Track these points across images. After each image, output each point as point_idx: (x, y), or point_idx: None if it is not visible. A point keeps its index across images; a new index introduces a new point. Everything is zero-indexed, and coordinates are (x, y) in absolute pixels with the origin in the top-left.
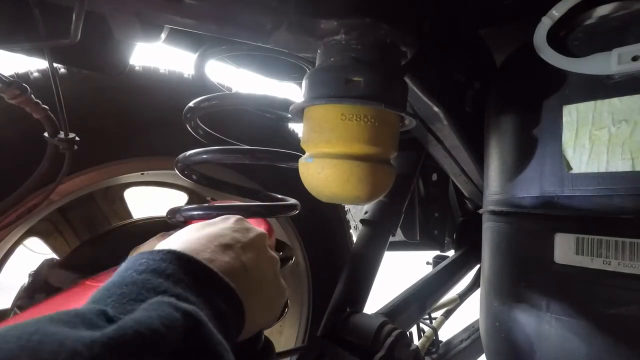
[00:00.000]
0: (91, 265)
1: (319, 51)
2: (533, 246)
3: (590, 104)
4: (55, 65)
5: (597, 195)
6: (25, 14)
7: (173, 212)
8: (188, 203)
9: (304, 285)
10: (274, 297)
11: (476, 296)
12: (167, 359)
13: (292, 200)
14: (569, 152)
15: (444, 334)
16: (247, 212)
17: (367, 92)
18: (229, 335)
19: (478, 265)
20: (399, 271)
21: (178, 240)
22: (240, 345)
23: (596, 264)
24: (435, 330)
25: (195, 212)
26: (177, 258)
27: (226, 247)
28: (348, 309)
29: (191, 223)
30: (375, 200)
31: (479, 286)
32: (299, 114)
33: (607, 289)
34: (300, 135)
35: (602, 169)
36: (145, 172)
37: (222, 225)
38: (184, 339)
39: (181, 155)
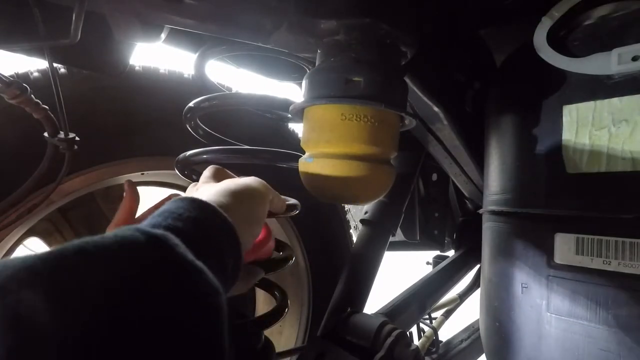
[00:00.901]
0: None
1: (319, 51)
2: (533, 246)
3: (590, 104)
4: (55, 65)
5: (597, 195)
6: (25, 14)
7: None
8: None
9: (304, 285)
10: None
11: (476, 296)
12: (115, 278)
13: (292, 200)
14: (569, 152)
15: (444, 334)
16: None
17: (367, 92)
18: (222, 262)
19: (478, 265)
20: (399, 271)
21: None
22: (240, 343)
23: (596, 264)
24: (435, 330)
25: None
26: (182, 199)
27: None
28: (348, 309)
29: None
30: (375, 200)
31: (479, 286)
32: (299, 114)
33: (607, 289)
34: (300, 135)
35: (602, 169)
36: (145, 172)
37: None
38: (144, 261)
39: (181, 155)
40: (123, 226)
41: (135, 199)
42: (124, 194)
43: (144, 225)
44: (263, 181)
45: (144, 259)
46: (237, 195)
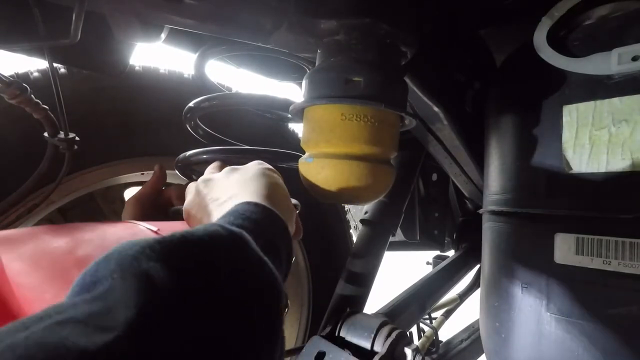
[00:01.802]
0: None
1: (319, 51)
2: (533, 246)
3: (590, 104)
4: (55, 65)
5: (597, 195)
6: (25, 14)
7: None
8: None
9: (304, 285)
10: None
11: (476, 296)
12: (209, 258)
13: (292, 201)
14: (569, 152)
15: (444, 334)
16: None
17: (367, 92)
18: (279, 258)
19: (478, 265)
20: (399, 271)
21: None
22: None
23: (596, 264)
24: (435, 330)
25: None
26: (247, 203)
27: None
28: (348, 309)
29: None
30: (375, 200)
31: (479, 286)
32: (299, 114)
33: (607, 289)
34: (300, 135)
35: (602, 169)
36: (145, 172)
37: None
38: (227, 249)
39: (181, 155)
40: (209, 223)
41: (163, 179)
42: (153, 173)
43: (222, 222)
44: (267, 165)
45: (227, 251)
46: (269, 191)
